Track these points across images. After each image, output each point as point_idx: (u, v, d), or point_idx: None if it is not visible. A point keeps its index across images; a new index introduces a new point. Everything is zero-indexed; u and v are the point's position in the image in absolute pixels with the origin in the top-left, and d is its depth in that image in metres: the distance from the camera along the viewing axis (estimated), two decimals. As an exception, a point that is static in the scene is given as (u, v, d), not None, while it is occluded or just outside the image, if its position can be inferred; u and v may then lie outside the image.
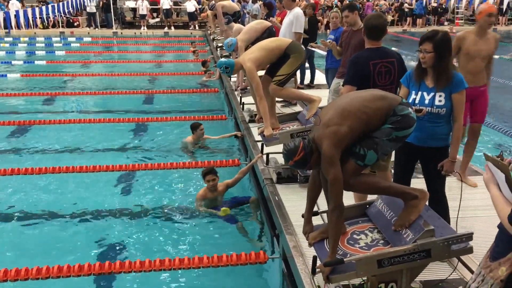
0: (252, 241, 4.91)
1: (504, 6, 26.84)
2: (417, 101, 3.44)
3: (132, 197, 5.91)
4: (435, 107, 3.39)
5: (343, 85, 4.05)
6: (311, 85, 9.63)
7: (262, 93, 5.40)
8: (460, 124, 3.44)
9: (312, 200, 3.27)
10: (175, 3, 24.29)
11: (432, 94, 3.40)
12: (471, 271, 3.42)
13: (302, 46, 5.70)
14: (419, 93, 3.45)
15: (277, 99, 6.36)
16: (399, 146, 3.11)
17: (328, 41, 6.38)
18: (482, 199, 4.62)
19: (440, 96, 3.38)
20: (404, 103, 3.00)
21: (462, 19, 27.36)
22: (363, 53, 4.00)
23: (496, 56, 5.33)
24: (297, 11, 7.47)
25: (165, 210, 5.54)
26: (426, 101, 3.41)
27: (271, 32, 8.17)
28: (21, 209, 5.55)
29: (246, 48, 7.41)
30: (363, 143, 2.93)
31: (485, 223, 4.06)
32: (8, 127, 8.37)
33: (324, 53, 8.70)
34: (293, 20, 7.34)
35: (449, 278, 3.31)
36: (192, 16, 23.17)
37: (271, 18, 8.78)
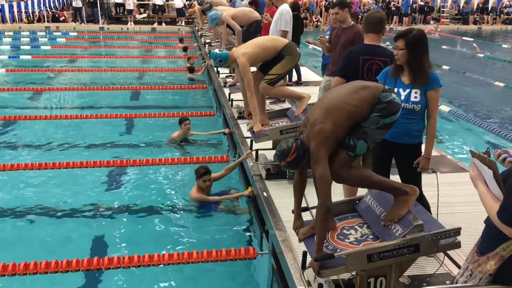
0: (240, 234, 4.92)
1: (490, 5, 27.19)
2: None
3: (119, 193, 5.87)
4: (410, 103, 3.44)
5: (333, 76, 4.17)
6: (299, 83, 9.65)
7: (253, 89, 5.39)
8: (434, 121, 3.50)
9: (299, 195, 3.27)
10: (166, -1, 24.18)
11: (408, 90, 3.46)
12: (458, 266, 3.47)
13: (298, 49, 5.69)
14: (395, 89, 3.49)
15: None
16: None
17: (326, 36, 6.35)
18: (464, 195, 4.69)
19: (415, 92, 3.44)
20: (387, 89, 3.02)
21: (447, 18, 27.65)
22: (357, 47, 4.12)
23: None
24: (282, 8, 7.42)
25: (153, 206, 5.51)
26: (402, 97, 3.45)
27: (258, 25, 8.18)
28: (6, 205, 5.48)
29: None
30: (353, 134, 2.96)
31: (466, 218, 4.13)
32: (-7, 122, 8.26)
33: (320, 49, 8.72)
34: (279, 17, 7.34)
35: (436, 272, 3.36)
36: (180, 12, 23.11)
37: (263, 15, 8.78)
